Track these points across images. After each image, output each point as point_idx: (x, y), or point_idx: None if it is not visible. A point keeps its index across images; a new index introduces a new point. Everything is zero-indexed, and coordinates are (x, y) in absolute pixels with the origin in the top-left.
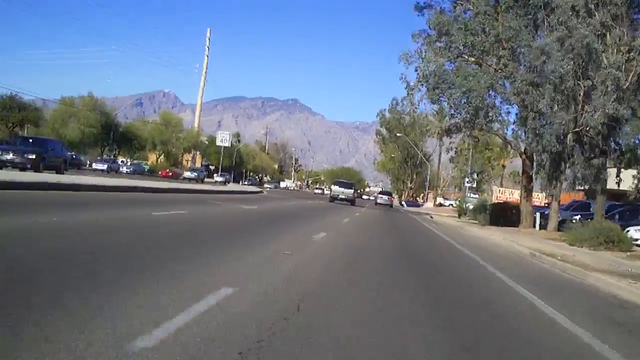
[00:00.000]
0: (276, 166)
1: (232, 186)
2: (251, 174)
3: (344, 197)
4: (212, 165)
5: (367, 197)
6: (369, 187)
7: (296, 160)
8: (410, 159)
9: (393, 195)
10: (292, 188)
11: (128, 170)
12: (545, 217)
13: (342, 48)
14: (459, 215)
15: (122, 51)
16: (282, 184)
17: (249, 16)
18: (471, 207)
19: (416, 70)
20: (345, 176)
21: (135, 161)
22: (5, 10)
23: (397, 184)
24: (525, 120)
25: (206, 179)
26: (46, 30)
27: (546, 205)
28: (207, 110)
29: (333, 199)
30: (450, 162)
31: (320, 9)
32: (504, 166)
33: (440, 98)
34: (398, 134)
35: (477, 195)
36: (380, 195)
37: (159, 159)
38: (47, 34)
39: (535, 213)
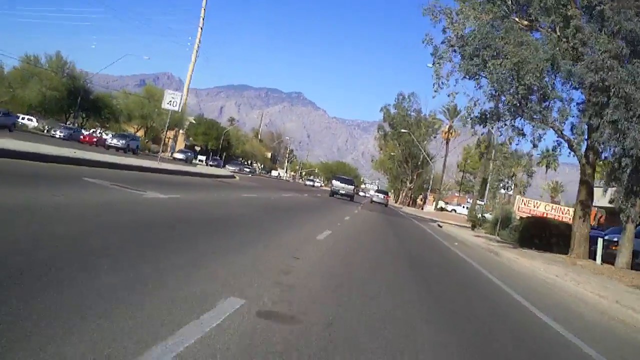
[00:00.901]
0: (269, 154)
1: (201, 168)
2: (241, 159)
3: (344, 192)
4: (197, 146)
5: (363, 194)
6: (365, 184)
7: (291, 150)
8: (411, 158)
9: (389, 194)
10: (284, 178)
11: (62, 134)
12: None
13: (350, 45)
14: (473, 227)
15: (129, 29)
16: (274, 173)
17: (261, 4)
18: (486, 217)
19: (445, 32)
20: (341, 171)
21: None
22: None
23: (395, 184)
24: (601, 110)
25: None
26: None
27: (597, 227)
28: (211, 96)
29: (333, 193)
30: (457, 167)
31: (332, 3)
32: (529, 175)
33: (479, 72)
34: (403, 130)
35: (482, 202)
36: (376, 194)
37: (137, 134)
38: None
39: (592, 237)
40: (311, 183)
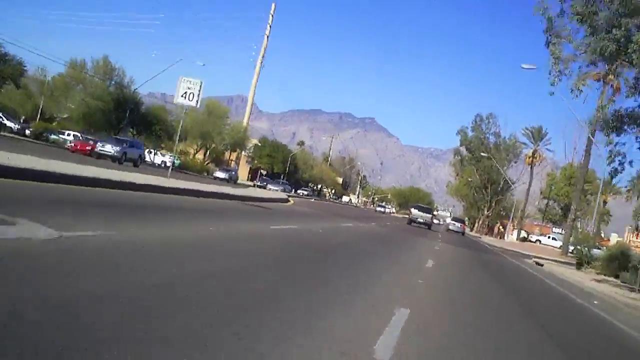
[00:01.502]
0: (340, 180)
1: (247, 190)
2: (310, 184)
3: (422, 221)
4: (263, 169)
5: (437, 221)
6: (437, 210)
7: (364, 176)
8: (490, 184)
9: (465, 222)
10: (355, 204)
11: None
12: None
13: (425, 70)
14: (579, 265)
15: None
16: (345, 199)
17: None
18: (593, 253)
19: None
20: (414, 197)
21: (159, 152)
22: None
23: (471, 211)
24: None
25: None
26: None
27: None
28: (284, 120)
29: (411, 221)
30: (540, 193)
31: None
32: (605, 202)
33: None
34: (483, 154)
35: (561, 231)
36: (452, 222)
37: (196, 154)
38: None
39: None
40: (382, 209)
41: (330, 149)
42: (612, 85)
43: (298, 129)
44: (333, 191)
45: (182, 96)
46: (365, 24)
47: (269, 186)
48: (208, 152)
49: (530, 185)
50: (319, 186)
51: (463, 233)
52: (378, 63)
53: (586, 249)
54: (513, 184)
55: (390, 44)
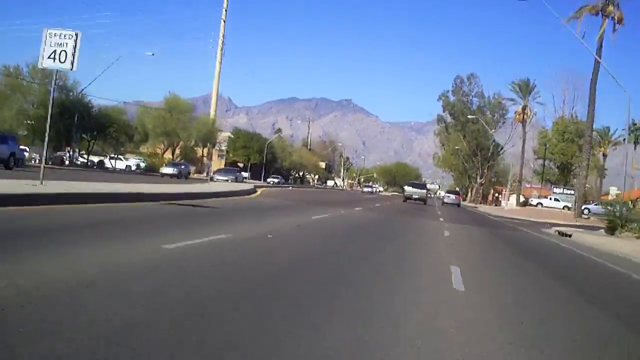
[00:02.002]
0: (322, 165)
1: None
2: (294, 172)
3: (417, 197)
4: (240, 162)
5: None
6: (426, 184)
7: (347, 158)
8: (480, 150)
9: (459, 193)
10: (341, 187)
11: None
12: None
13: (395, 46)
14: (611, 230)
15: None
16: (330, 183)
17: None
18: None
19: None
20: (401, 173)
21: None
22: None
23: (462, 180)
24: None
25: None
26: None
27: None
28: (262, 112)
29: (407, 198)
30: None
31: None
32: (605, 155)
33: None
34: (470, 116)
35: (571, 191)
36: (447, 195)
37: (164, 154)
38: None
39: None
40: (369, 189)
41: (308, 133)
42: (612, 17)
43: (277, 119)
44: (316, 177)
45: (49, 57)
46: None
47: (216, 176)
48: (178, 151)
49: (524, 142)
50: (301, 173)
51: (459, 205)
52: (348, 44)
53: (621, 208)
54: (501, 148)
55: (358, 22)
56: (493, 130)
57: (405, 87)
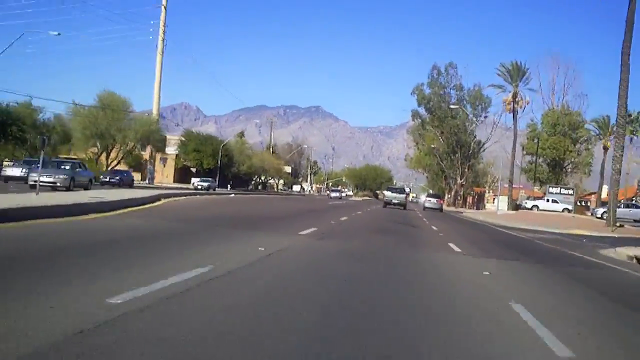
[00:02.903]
0: (288, 169)
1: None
2: (256, 177)
3: (397, 202)
4: (193, 167)
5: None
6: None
7: (314, 162)
8: (460, 147)
9: (441, 197)
10: (304, 193)
11: None
12: None
13: (363, 51)
14: None
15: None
16: (296, 188)
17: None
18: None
19: None
20: (371, 175)
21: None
22: None
23: (437, 182)
24: None
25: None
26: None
27: None
28: (231, 121)
29: (387, 203)
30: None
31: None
32: (605, 148)
33: None
34: (453, 106)
35: (569, 191)
36: (428, 199)
37: (98, 158)
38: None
39: None
40: (337, 194)
41: (270, 135)
42: None
43: (245, 127)
44: (281, 182)
45: None
46: (297, 13)
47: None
48: (118, 154)
49: (515, 136)
50: (263, 178)
51: (441, 209)
52: (317, 50)
53: None
54: (483, 145)
55: (325, 27)
56: (474, 125)
57: (374, 91)
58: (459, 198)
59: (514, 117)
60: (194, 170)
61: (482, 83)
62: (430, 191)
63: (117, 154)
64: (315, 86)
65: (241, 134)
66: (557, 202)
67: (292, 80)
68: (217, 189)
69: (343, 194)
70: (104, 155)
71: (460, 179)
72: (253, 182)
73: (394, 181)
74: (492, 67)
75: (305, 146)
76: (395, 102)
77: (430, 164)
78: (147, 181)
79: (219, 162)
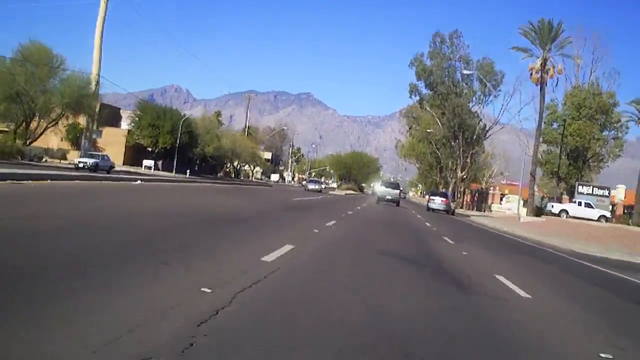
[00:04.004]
0: (267, 155)
1: None
2: (228, 163)
3: (390, 197)
4: (148, 147)
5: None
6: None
7: (298, 149)
8: (462, 132)
9: (449, 196)
10: (277, 182)
11: None
12: None
13: (356, 41)
14: None
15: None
16: (274, 177)
17: (260, 9)
18: None
19: None
20: (357, 164)
21: None
22: None
23: (432, 175)
24: None
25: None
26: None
27: None
28: (220, 105)
29: (380, 200)
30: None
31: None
32: None
33: None
34: (465, 71)
35: (604, 191)
36: (432, 198)
37: (17, 130)
38: None
39: None
40: (315, 187)
41: (247, 114)
42: None
43: (234, 112)
44: (257, 169)
45: None
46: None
47: None
48: (38, 122)
49: (541, 115)
50: (235, 163)
51: (448, 211)
52: (309, 38)
53: None
54: (489, 129)
55: (320, 15)
56: (481, 105)
57: (365, 80)
58: (458, 195)
59: (542, 90)
60: (151, 150)
61: (492, 55)
62: (420, 186)
63: (40, 124)
64: (307, 73)
65: (217, 114)
66: (592, 207)
67: (283, 66)
68: (174, 173)
69: (321, 186)
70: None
71: (461, 172)
72: (222, 168)
73: (381, 172)
74: (503, 39)
75: (285, 127)
76: (384, 92)
77: (424, 153)
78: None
79: (177, 140)
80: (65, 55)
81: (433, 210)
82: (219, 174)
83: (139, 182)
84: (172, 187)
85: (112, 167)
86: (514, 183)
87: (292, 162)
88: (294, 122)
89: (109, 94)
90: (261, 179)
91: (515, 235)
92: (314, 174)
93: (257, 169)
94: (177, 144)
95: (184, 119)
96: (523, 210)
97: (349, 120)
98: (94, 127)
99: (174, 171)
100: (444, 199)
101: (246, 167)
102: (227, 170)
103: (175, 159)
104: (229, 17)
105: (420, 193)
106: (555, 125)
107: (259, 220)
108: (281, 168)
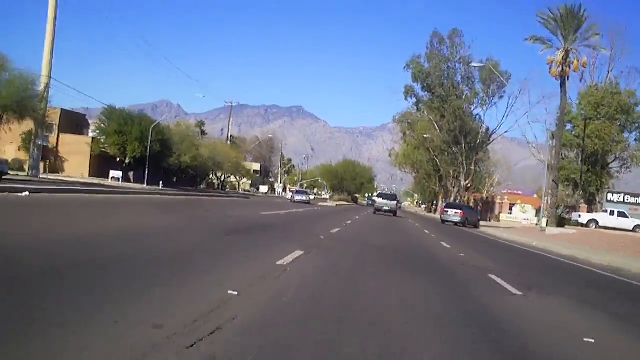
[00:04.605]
0: (255, 167)
1: None
2: (212, 174)
3: (387, 208)
4: (116, 156)
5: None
6: (377, 190)
7: (289, 160)
8: (464, 136)
9: (463, 208)
10: (279, 194)
11: None
12: None
13: (346, 53)
14: None
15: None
16: (263, 189)
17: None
18: None
19: None
20: (350, 174)
21: None
22: None
23: (430, 184)
24: None
25: None
26: None
27: None
28: (211, 119)
29: (377, 210)
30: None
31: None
32: None
33: None
34: (474, 64)
35: (621, 198)
36: (446, 210)
37: None
38: None
39: None
40: (303, 198)
41: (229, 121)
42: None
43: (225, 125)
44: (245, 181)
45: None
46: (281, 13)
47: None
48: None
49: (563, 112)
50: (218, 175)
51: (464, 223)
52: (299, 51)
53: None
54: (492, 133)
55: (310, 28)
56: (486, 107)
57: (355, 92)
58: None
59: (563, 85)
60: (120, 160)
61: (495, 54)
62: (416, 196)
63: None
64: (298, 86)
65: (201, 123)
66: (626, 216)
67: (274, 80)
68: (146, 185)
69: (311, 197)
70: None
71: (465, 180)
72: (205, 180)
73: (375, 183)
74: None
75: (271, 136)
76: (376, 103)
77: (421, 161)
78: (28, 173)
79: (147, 149)
80: (15, 56)
81: (448, 222)
82: (201, 186)
83: (25, 193)
84: (94, 202)
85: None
86: (515, 192)
87: (281, 173)
88: (285, 134)
89: (97, 109)
90: (249, 191)
91: (540, 250)
92: (305, 185)
93: (245, 180)
94: (148, 153)
95: (154, 124)
96: (543, 220)
97: (341, 132)
98: (43, 133)
99: (145, 183)
100: (459, 212)
101: (232, 178)
102: (211, 182)
103: (147, 170)
104: (219, 32)
105: (417, 203)
106: (569, 127)
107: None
108: (271, 180)
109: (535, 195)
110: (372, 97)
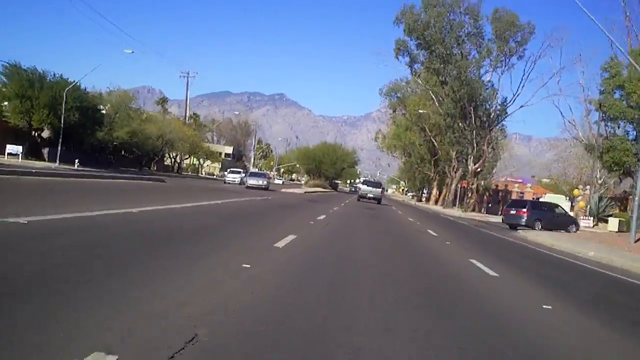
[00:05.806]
0: (227, 149)
1: None
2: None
3: (372, 196)
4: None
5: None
6: (360, 176)
7: (267, 145)
8: (474, 107)
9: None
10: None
11: None
12: None
13: (329, 41)
14: None
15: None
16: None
17: (234, 10)
18: None
19: None
20: (330, 158)
21: None
22: None
23: (423, 169)
24: None
25: None
26: None
27: None
28: (194, 105)
29: (361, 197)
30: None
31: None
32: None
33: None
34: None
35: None
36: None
37: None
38: None
39: None
40: (259, 182)
41: (187, 94)
42: None
43: (209, 112)
44: (215, 165)
45: None
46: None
47: None
48: None
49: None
50: (174, 155)
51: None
52: (282, 39)
53: None
54: (510, 103)
55: (291, 15)
56: (501, 67)
57: (339, 81)
58: (469, 195)
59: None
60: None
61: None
62: (402, 183)
63: None
64: (280, 73)
65: (162, 100)
66: None
67: (256, 67)
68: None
69: (269, 180)
70: None
71: (475, 164)
72: (153, 161)
73: (357, 169)
74: None
75: (253, 123)
76: (360, 93)
77: (413, 143)
78: None
79: (61, 120)
80: None
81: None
82: (147, 168)
83: None
84: None
85: None
86: (517, 180)
87: (255, 156)
88: (268, 122)
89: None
90: (213, 174)
91: None
92: (282, 170)
93: (209, 162)
94: (62, 124)
95: (69, 86)
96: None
97: (325, 121)
98: None
99: (58, 161)
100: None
101: (194, 160)
102: (166, 163)
103: (60, 145)
104: (202, 20)
105: (403, 191)
106: (618, 95)
107: None
108: (246, 164)
109: (529, 185)
110: (356, 87)
